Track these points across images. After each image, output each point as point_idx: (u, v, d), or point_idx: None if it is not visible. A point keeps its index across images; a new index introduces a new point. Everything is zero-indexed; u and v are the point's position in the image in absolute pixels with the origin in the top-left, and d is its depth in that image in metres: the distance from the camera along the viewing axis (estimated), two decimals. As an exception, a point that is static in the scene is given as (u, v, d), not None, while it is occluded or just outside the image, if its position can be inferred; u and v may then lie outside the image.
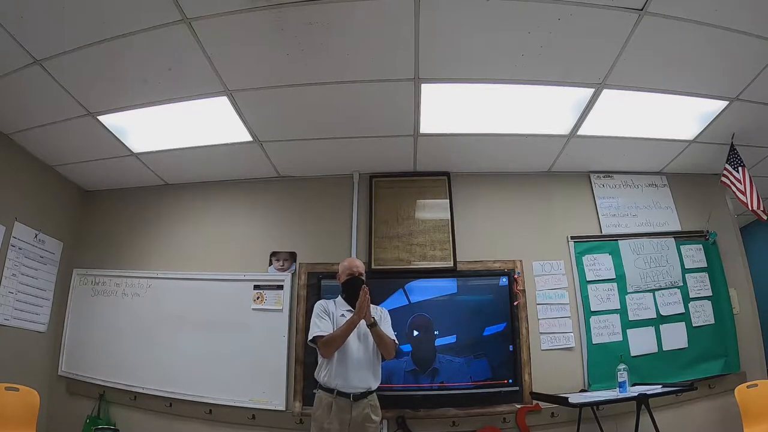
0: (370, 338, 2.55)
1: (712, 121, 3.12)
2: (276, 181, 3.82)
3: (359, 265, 2.74)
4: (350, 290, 2.63)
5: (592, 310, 3.37)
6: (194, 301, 3.46)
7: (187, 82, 2.69)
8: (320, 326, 2.55)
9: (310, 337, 2.57)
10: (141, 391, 3.28)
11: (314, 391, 2.56)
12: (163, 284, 3.56)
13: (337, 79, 2.68)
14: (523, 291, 3.41)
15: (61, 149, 3.35)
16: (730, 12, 2.23)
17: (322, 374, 2.53)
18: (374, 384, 2.55)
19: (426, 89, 2.78)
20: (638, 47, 2.45)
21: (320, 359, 2.58)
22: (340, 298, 2.73)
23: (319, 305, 2.68)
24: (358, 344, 2.55)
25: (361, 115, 3.02)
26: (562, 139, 3.34)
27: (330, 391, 2.46)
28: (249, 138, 3.23)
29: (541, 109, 3.00)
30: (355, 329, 2.52)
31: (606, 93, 2.82)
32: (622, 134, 3.28)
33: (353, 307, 2.51)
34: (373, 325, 2.51)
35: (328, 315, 2.62)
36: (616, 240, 3.55)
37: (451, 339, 3.22)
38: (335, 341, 2.48)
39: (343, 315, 2.60)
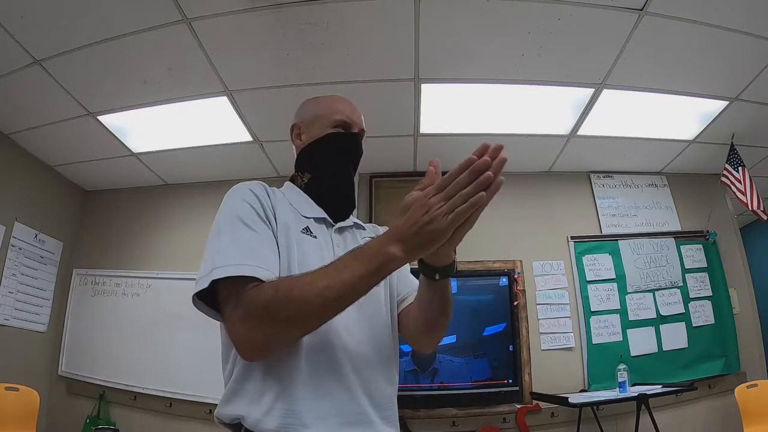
0: (382, 296, 1.03)
1: (712, 121, 3.12)
2: (276, 181, 3.72)
3: (358, 115, 1.20)
4: (336, 157, 1.18)
5: (592, 310, 3.37)
6: (194, 301, 3.46)
7: (187, 82, 2.69)
8: (244, 245, 0.93)
9: (207, 279, 0.86)
10: (141, 391, 3.28)
11: None
12: (163, 284, 3.55)
13: (337, 79, 2.68)
14: (523, 291, 3.41)
15: (61, 149, 3.35)
16: (729, 12, 2.23)
17: (247, 400, 0.87)
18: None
19: (426, 89, 2.78)
20: (638, 47, 2.45)
21: (231, 356, 0.94)
22: (297, 191, 1.20)
23: (242, 191, 1.06)
24: (360, 314, 0.96)
25: (361, 114, 3.01)
26: (562, 139, 3.34)
27: None
28: (249, 138, 3.23)
29: (541, 109, 3.00)
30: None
31: (606, 93, 2.82)
32: (622, 134, 3.28)
33: (335, 212, 1.12)
34: (447, 273, 0.92)
35: (266, 220, 0.99)
36: (616, 240, 3.54)
37: (451, 339, 3.21)
38: (326, 300, 0.79)
39: (306, 231, 1.04)
